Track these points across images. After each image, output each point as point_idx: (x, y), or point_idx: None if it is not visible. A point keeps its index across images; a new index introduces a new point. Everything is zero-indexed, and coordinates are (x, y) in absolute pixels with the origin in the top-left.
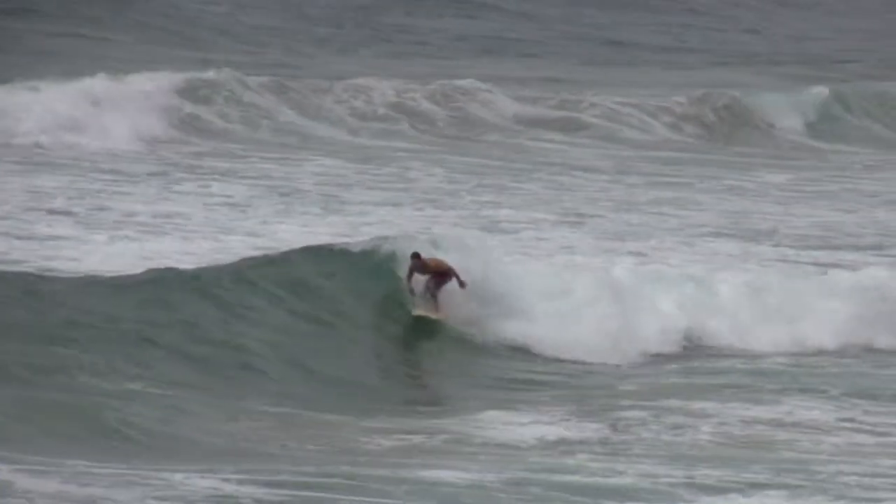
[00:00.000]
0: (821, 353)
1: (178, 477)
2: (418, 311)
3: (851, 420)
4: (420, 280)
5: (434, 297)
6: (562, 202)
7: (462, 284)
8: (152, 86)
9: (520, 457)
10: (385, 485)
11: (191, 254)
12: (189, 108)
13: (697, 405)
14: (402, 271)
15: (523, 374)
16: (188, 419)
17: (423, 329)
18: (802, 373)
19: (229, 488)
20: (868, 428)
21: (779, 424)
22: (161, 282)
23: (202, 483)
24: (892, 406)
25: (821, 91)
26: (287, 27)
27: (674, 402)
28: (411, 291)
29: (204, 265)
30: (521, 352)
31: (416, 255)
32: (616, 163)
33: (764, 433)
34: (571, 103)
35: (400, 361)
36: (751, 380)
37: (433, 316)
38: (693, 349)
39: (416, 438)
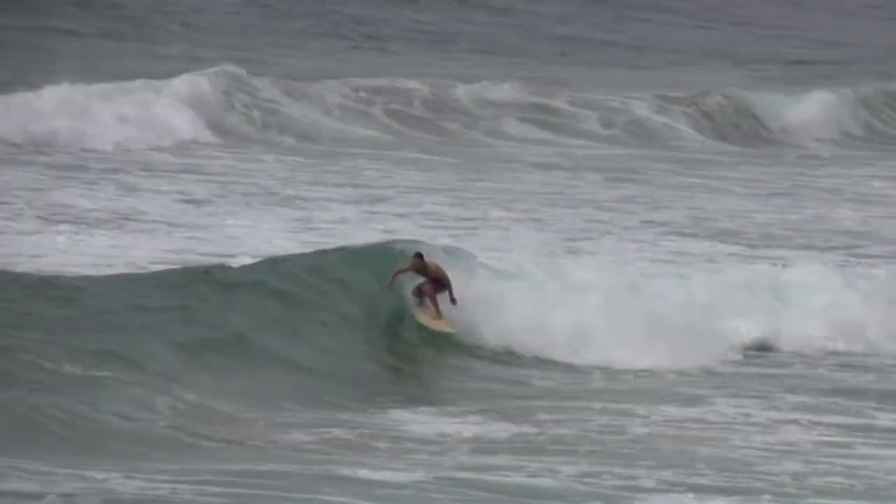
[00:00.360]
0: (752, 352)
1: (99, 475)
2: (422, 320)
3: (788, 420)
4: (417, 280)
5: (433, 300)
6: (557, 197)
7: (453, 301)
8: (127, 85)
9: (451, 456)
10: (317, 483)
11: (153, 250)
12: (161, 105)
13: (629, 406)
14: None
15: (458, 369)
16: (131, 411)
17: (421, 334)
18: (740, 373)
19: (152, 487)
20: (804, 426)
21: (713, 423)
22: (139, 279)
23: (131, 483)
24: (829, 400)
25: (802, 89)
26: (259, 23)
27: (623, 405)
28: (390, 285)
29: (192, 264)
30: (460, 347)
31: (418, 255)
32: (578, 161)
33: (701, 433)
34: (546, 96)
35: (378, 356)
36: (693, 379)
37: (436, 328)
38: (653, 349)
39: (336, 432)
